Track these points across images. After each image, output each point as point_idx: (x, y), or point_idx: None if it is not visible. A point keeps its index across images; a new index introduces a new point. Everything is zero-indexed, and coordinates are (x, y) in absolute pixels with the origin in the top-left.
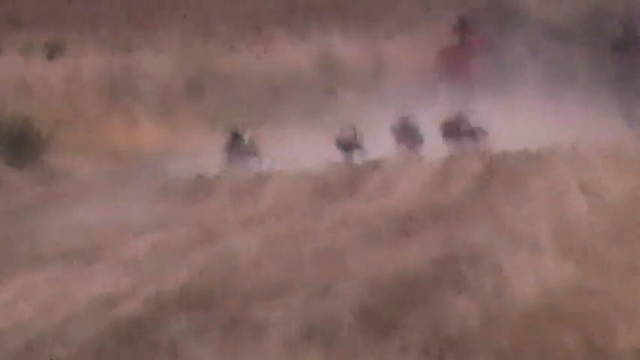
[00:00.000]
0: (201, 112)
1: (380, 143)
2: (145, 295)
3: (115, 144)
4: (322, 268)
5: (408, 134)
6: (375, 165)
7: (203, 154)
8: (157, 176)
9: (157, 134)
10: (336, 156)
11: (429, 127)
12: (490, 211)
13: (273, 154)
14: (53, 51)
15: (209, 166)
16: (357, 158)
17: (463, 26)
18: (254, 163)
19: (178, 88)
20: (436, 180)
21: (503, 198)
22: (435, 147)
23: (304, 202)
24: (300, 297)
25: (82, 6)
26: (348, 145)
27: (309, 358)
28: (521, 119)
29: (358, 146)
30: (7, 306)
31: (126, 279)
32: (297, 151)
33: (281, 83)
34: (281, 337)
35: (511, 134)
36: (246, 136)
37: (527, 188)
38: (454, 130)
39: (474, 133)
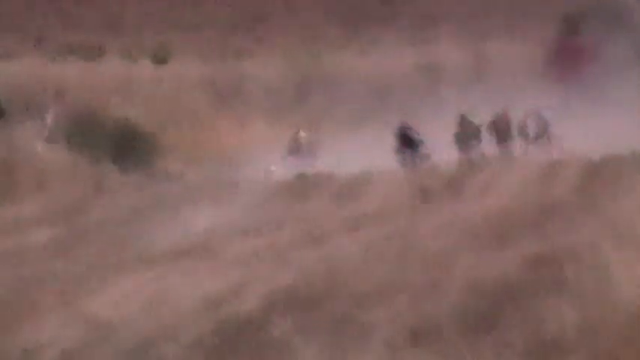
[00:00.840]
0: (308, 113)
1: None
2: (252, 295)
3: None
4: (425, 271)
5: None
6: (475, 165)
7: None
8: (263, 177)
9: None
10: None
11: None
12: (593, 211)
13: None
14: (160, 55)
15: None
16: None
17: (572, 24)
18: (309, 164)
19: (287, 90)
20: (538, 180)
21: (606, 197)
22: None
23: (407, 203)
24: (404, 299)
25: (189, 11)
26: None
27: (413, 359)
28: (620, 122)
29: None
30: (117, 304)
31: (232, 279)
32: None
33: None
34: (385, 338)
35: (608, 137)
36: (304, 137)
37: (631, 188)
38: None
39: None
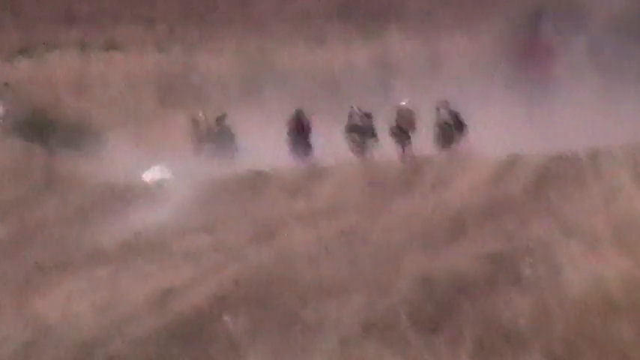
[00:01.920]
0: (258, 107)
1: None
2: (202, 291)
3: (171, 143)
4: (378, 267)
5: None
6: (428, 161)
7: (259, 149)
8: (213, 173)
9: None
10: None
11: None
12: (546, 208)
13: (329, 147)
14: (110, 48)
15: (265, 161)
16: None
17: (537, 21)
18: (227, 152)
19: (236, 85)
20: (492, 177)
21: (560, 195)
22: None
23: (359, 198)
24: (357, 295)
25: (138, 4)
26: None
27: (366, 355)
28: (577, 119)
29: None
30: (65, 303)
31: (182, 275)
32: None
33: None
34: (338, 334)
35: (562, 136)
36: (202, 119)
37: (584, 186)
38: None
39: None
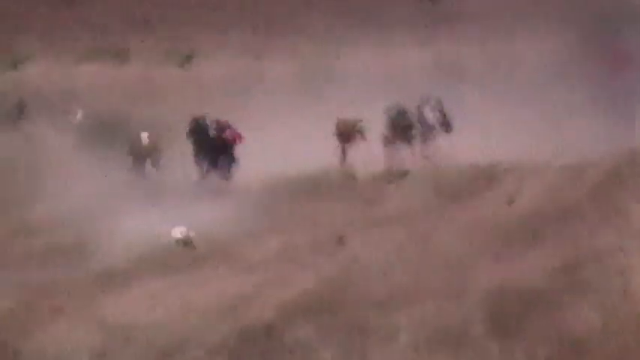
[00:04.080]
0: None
1: None
2: (272, 299)
3: None
4: (449, 275)
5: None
6: (498, 167)
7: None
8: (280, 177)
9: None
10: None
11: None
12: (617, 214)
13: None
14: (183, 57)
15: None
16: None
17: (612, 26)
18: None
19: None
20: (561, 184)
21: (631, 200)
22: None
23: (430, 205)
24: (429, 303)
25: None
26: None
27: None
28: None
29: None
30: (139, 311)
31: (252, 283)
32: None
33: None
34: (410, 342)
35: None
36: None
37: None
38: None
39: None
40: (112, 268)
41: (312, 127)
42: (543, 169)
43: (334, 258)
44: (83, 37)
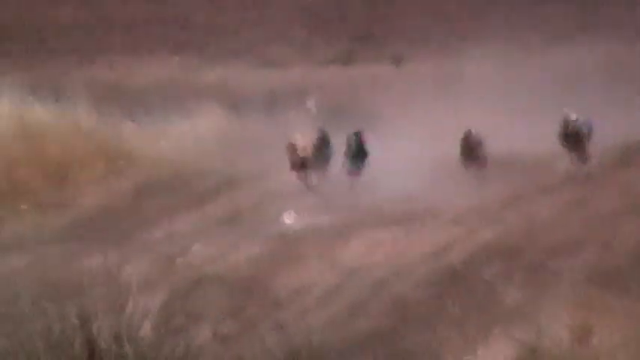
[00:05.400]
0: None
1: None
2: (466, 246)
3: None
4: (603, 229)
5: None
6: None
7: None
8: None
9: None
10: None
11: None
12: None
13: None
14: (396, 58)
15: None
16: None
17: None
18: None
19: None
20: None
21: None
22: None
23: (589, 173)
24: (587, 251)
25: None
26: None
27: (592, 297)
28: None
29: None
30: (364, 254)
31: (451, 235)
32: None
33: None
34: (575, 281)
35: None
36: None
37: None
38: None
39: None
40: (344, 221)
41: None
42: None
43: (515, 215)
44: None
